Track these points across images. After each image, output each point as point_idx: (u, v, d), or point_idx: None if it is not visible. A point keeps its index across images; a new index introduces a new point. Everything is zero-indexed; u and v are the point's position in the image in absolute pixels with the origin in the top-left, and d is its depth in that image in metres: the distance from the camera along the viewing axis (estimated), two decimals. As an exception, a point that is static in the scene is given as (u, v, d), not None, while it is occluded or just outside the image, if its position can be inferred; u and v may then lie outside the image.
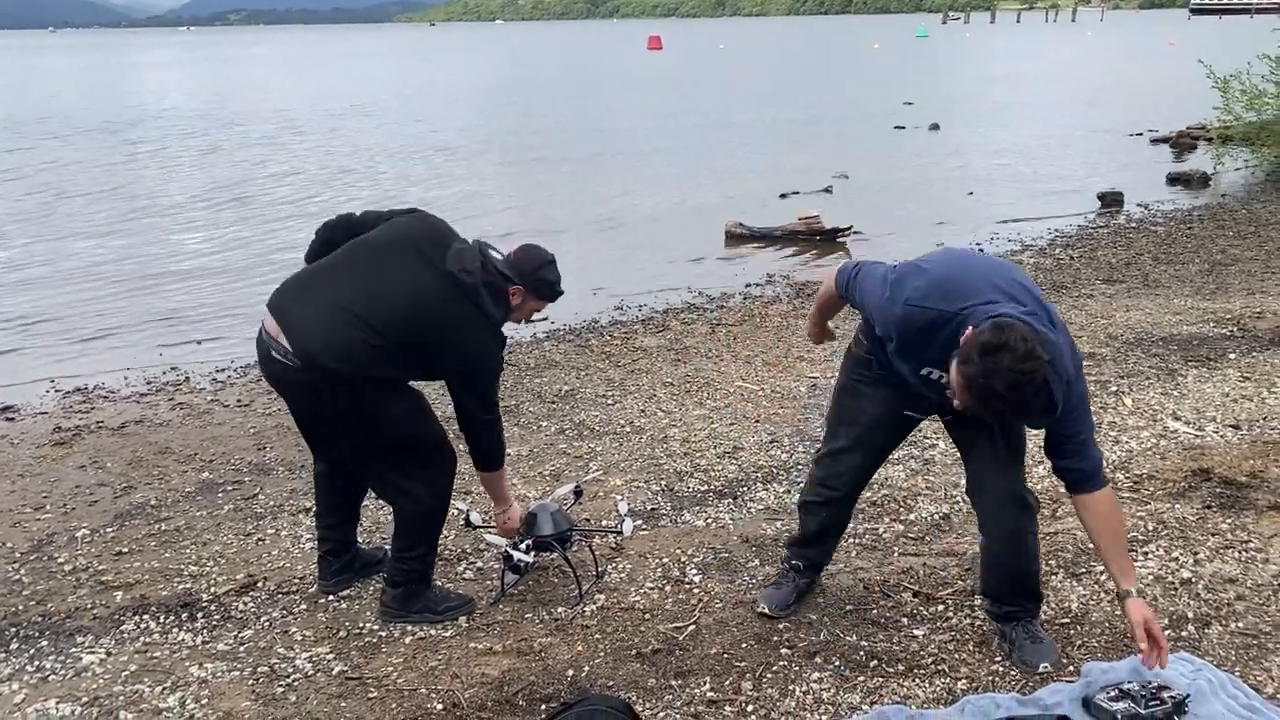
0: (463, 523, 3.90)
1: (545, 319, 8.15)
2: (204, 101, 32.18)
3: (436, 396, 3.62)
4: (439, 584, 3.65)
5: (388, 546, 3.80)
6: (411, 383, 3.39)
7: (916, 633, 3.28)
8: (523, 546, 3.59)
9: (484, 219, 12.46)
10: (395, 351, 3.16)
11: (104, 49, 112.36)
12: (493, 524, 3.76)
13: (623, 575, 3.76)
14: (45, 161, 18.26)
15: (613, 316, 8.16)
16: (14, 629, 3.52)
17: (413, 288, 3.16)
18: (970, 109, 24.98)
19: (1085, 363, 6.00)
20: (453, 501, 3.58)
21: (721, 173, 15.69)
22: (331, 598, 3.67)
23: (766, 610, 3.40)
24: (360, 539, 3.90)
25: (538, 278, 3.32)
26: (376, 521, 4.31)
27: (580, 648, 3.28)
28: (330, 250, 3.35)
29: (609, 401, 5.87)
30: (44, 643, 3.44)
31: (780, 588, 3.49)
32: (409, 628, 3.44)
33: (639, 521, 4.17)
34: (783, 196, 13.32)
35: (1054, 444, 2.81)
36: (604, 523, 4.16)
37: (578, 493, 4.05)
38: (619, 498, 4.32)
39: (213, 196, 14.46)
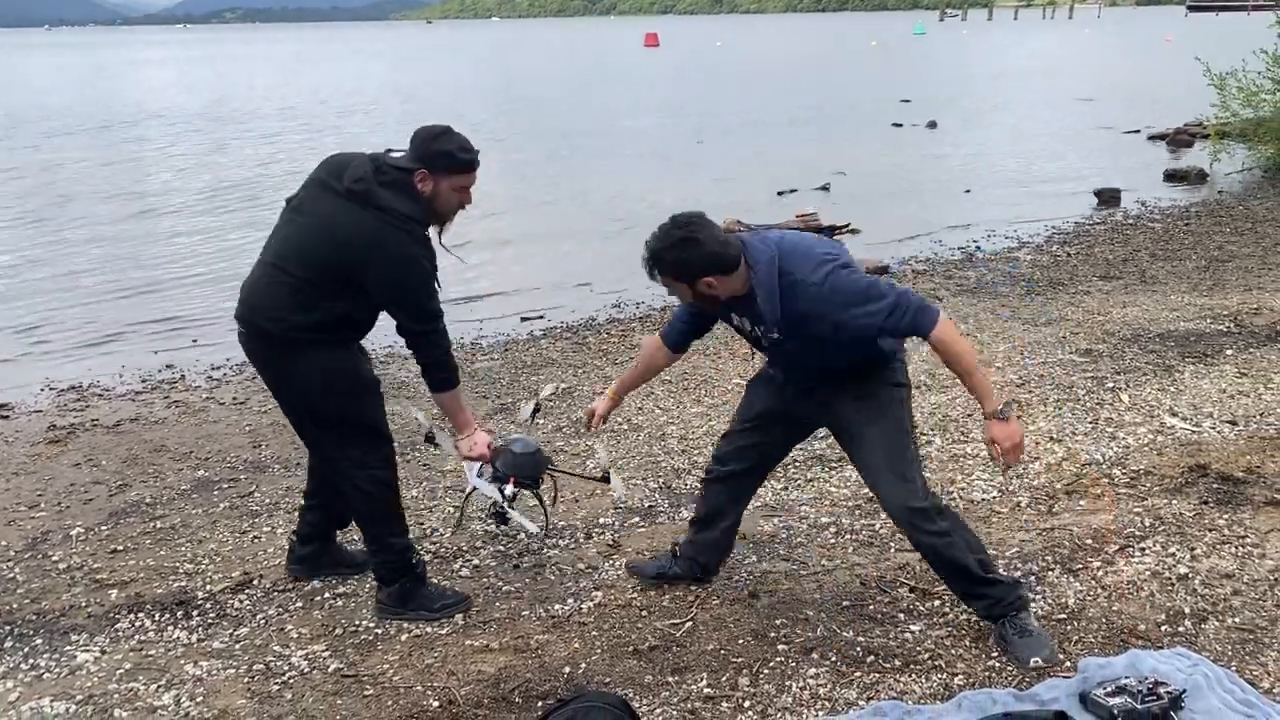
0: (424, 440, 3.67)
1: (540, 317, 8.16)
2: (205, 99, 32.08)
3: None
4: (435, 581, 3.64)
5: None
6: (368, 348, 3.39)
7: (913, 628, 3.28)
8: (508, 492, 3.47)
9: (483, 221, 12.46)
10: (316, 289, 3.14)
11: (102, 46, 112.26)
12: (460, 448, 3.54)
13: (619, 572, 3.76)
14: (47, 160, 18.21)
15: (610, 314, 8.15)
16: (8, 627, 3.52)
17: (320, 219, 3.15)
18: (968, 106, 24.98)
19: (1081, 360, 6.00)
20: (415, 414, 3.50)
21: (719, 170, 15.68)
22: (328, 595, 3.67)
23: (625, 569, 3.69)
24: (347, 540, 3.91)
25: (433, 152, 3.14)
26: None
27: (577, 645, 3.28)
28: None
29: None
30: (38, 641, 3.43)
31: (655, 559, 3.73)
32: (405, 625, 3.44)
33: (626, 492, 4.16)
34: (780, 194, 13.32)
35: (877, 326, 2.92)
36: (589, 466, 4.07)
37: (536, 410, 3.89)
38: (597, 443, 4.34)
39: (215, 195, 14.41)
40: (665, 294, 3.53)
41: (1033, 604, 3.38)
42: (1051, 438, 4.88)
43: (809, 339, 2.97)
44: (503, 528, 3.72)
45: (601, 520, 4.24)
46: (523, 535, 3.70)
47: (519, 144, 19.31)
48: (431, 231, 3.21)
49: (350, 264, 3.11)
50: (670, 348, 3.36)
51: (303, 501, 3.78)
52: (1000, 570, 3.31)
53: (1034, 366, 6.01)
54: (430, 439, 3.69)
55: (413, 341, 3.26)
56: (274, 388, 3.38)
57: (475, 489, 3.59)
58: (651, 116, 23.66)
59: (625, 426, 5.36)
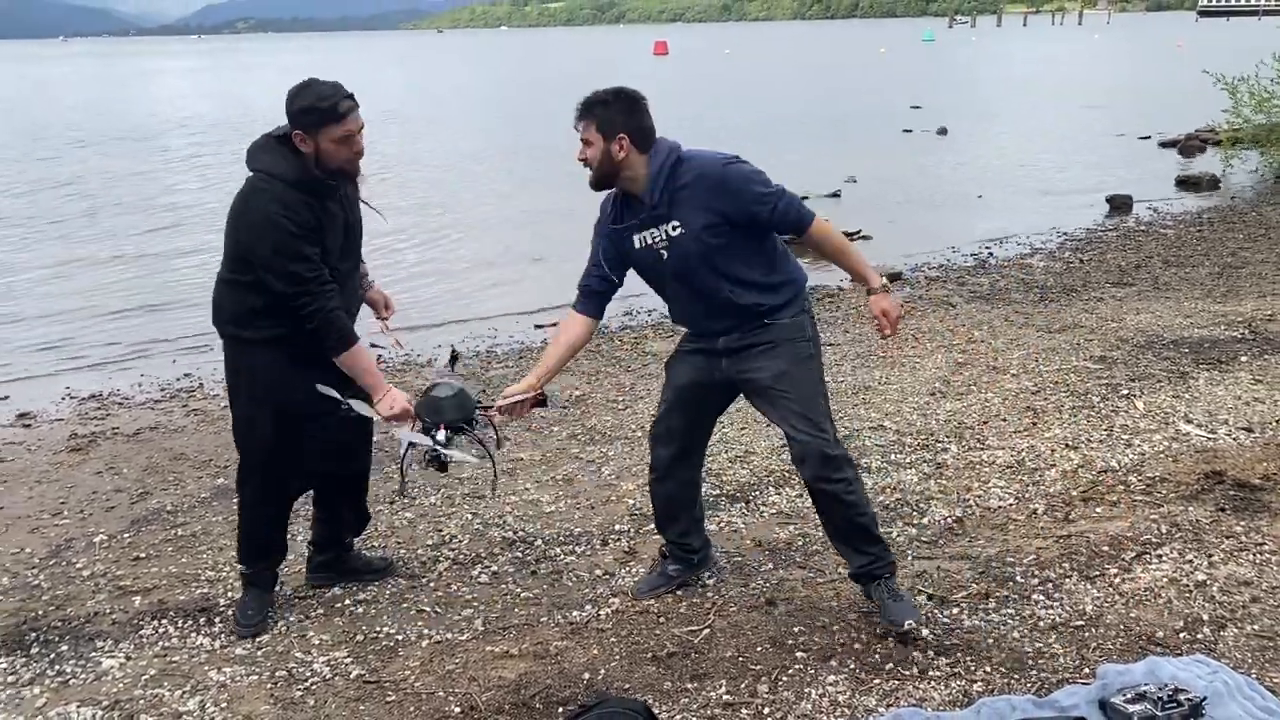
0: (343, 409, 3.25)
1: (554, 324, 8.16)
2: (228, 108, 32.27)
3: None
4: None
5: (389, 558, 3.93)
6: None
7: (931, 635, 3.28)
8: (440, 437, 3.19)
9: (497, 231, 12.53)
10: (234, 274, 3.22)
11: (119, 57, 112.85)
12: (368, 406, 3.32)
13: (636, 578, 3.77)
14: (73, 172, 18.34)
15: (623, 321, 8.17)
16: (34, 633, 3.55)
17: (231, 208, 3.21)
18: (978, 112, 24.95)
19: (1095, 366, 6.00)
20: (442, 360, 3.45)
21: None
22: (348, 601, 3.69)
23: (632, 594, 3.63)
24: (367, 546, 3.94)
25: (296, 111, 3.10)
26: (392, 526, 4.33)
27: (596, 651, 3.30)
28: None
29: (620, 406, 5.88)
30: (64, 647, 3.46)
31: (651, 572, 3.73)
32: (425, 630, 3.46)
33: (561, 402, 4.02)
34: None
35: (762, 216, 3.12)
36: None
37: (454, 358, 3.71)
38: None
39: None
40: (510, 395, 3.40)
41: (1050, 610, 3.39)
42: (1067, 444, 4.87)
43: (703, 244, 3.11)
44: (446, 474, 3.58)
45: (617, 527, 4.25)
46: (469, 470, 3.47)
47: (531, 154, 19.36)
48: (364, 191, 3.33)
49: (241, 241, 3.16)
50: (589, 316, 3.40)
51: (314, 510, 3.82)
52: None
53: (1048, 373, 6.01)
54: (455, 359, 3.57)
55: (300, 311, 3.13)
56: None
57: (410, 446, 3.28)
58: (661, 124, 23.65)
59: (639, 434, 5.37)
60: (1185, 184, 14.04)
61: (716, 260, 3.16)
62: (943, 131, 20.93)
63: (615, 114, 3.12)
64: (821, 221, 3.19)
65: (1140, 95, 27.80)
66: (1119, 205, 12.45)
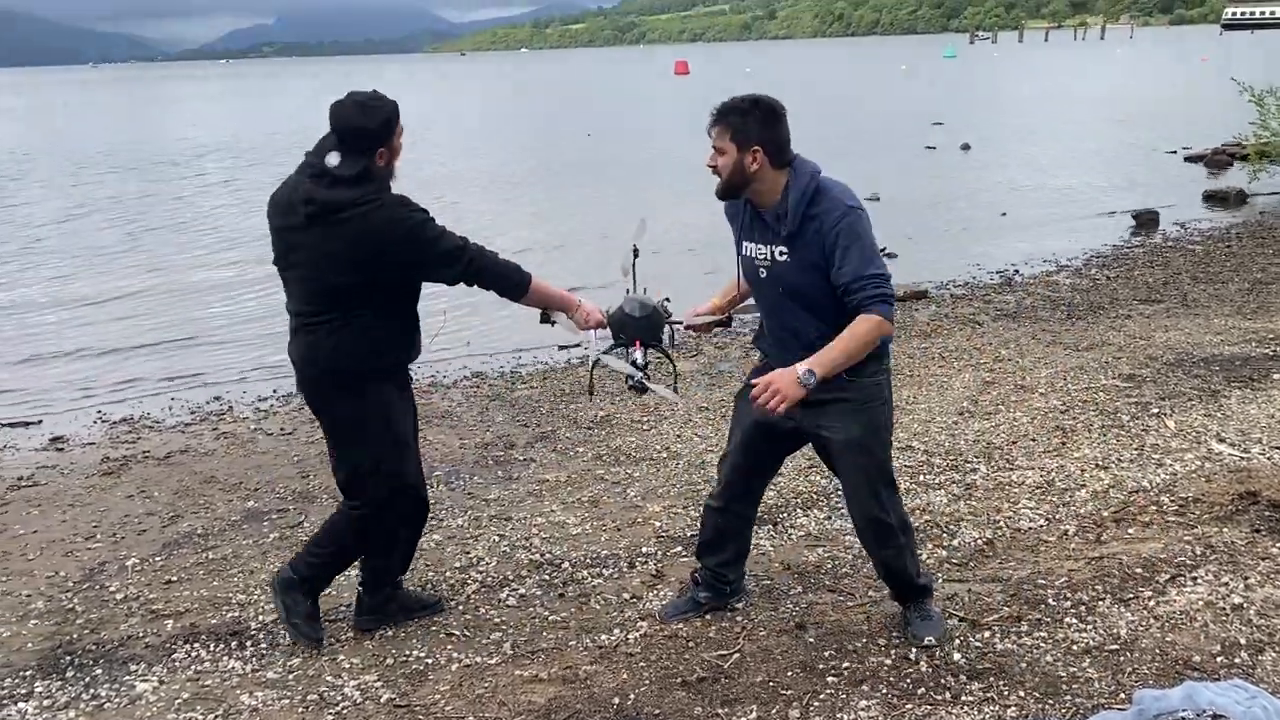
0: (540, 321, 3.51)
1: (577, 345, 8.18)
2: (264, 131, 32.66)
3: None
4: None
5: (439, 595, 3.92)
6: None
7: (963, 660, 3.25)
8: (638, 360, 3.32)
9: (531, 254, 12.58)
10: (349, 311, 3.20)
11: (149, 82, 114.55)
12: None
13: (663, 601, 3.76)
14: (111, 195, 18.62)
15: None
16: (69, 657, 3.58)
17: (316, 252, 3.16)
18: (1001, 129, 24.88)
19: (1125, 385, 5.95)
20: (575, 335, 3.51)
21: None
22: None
23: (659, 618, 3.61)
24: (412, 584, 3.91)
25: (380, 124, 3.16)
26: (420, 548, 4.33)
27: (625, 675, 3.29)
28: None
29: (644, 427, 5.88)
30: (98, 671, 3.49)
31: (680, 596, 3.71)
32: (455, 654, 3.46)
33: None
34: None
35: (855, 273, 3.00)
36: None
37: (635, 252, 3.57)
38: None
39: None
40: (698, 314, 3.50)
41: (1084, 633, 3.36)
42: (1097, 465, 4.83)
43: (804, 280, 3.07)
44: (642, 397, 3.63)
45: (644, 549, 4.25)
46: (662, 400, 3.53)
47: (560, 173, 19.47)
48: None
49: (359, 270, 3.12)
50: None
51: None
52: (925, 571, 3.51)
53: (1077, 392, 5.96)
54: (546, 318, 3.53)
55: (468, 276, 3.24)
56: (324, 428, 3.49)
57: (599, 362, 3.46)
58: (685, 144, 23.75)
59: (664, 455, 5.37)
60: (1213, 199, 13.93)
61: (813, 299, 3.09)
62: (966, 148, 20.88)
63: (752, 124, 3.05)
64: (880, 323, 3.00)
65: (1165, 110, 27.64)
66: (1145, 221, 12.36)
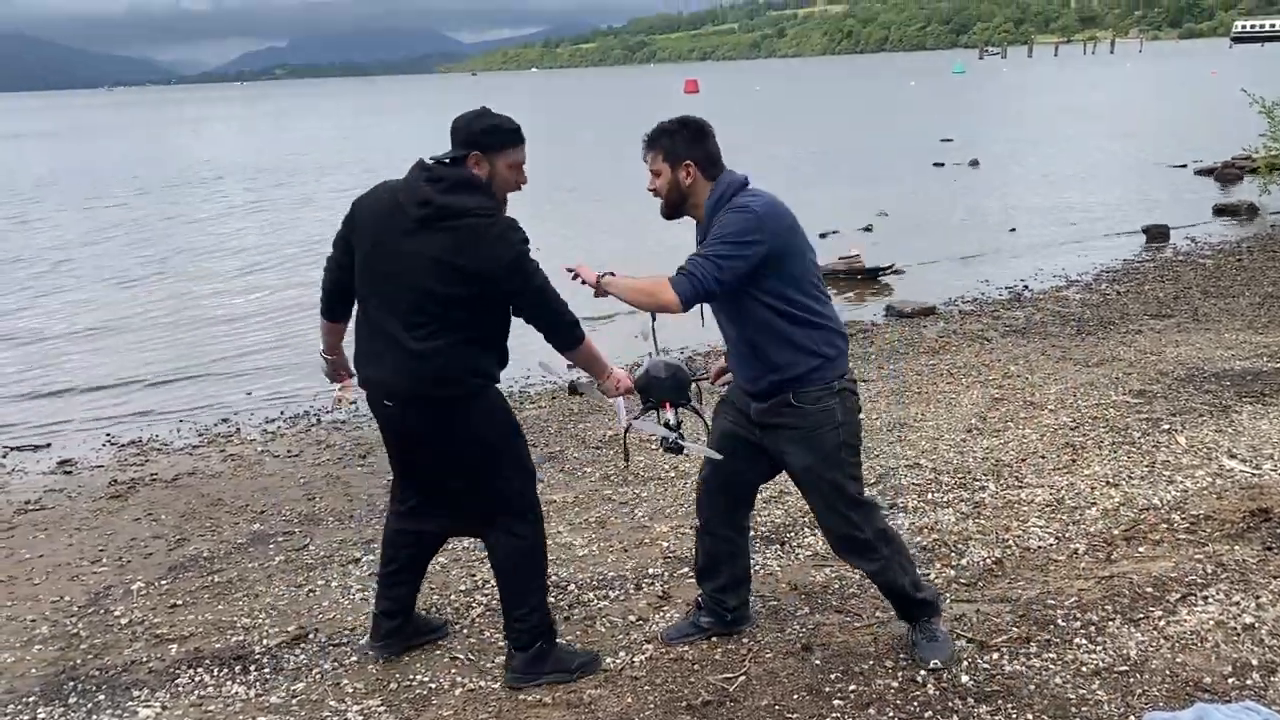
0: (569, 392, 3.58)
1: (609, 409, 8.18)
2: (284, 154, 32.93)
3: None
4: (562, 640, 3.55)
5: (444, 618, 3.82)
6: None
7: (971, 682, 3.21)
8: (671, 421, 3.30)
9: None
10: (455, 328, 3.08)
11: (170, 105, 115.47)
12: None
13: (670, 624, 3.73)
14: (135, 217, 18.78)
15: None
16: (72, 683, 3.56)
17: (416, 258, 3.02)
18: (1010, 144, 24.86)
19: (1135, 401, 5.90)
20: (554, 371, 3.45)
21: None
22: (382, 649, 3.67)
23: (662, 639, 3.60)
24: (417, 607, 3.82)
25: (480, 131, 3.05)
26: (445, 582, 4.32)
27: (630, 699, 3.26)
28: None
29: (652, 446, 5.85)
30: (101, 696, 3.47)
31: (685, 619, 3.69)
32: (459, 678, 3.43)
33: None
34: (822, 236, 13.29)
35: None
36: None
37: (654, 316, 3.55)
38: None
39: (304, 248, 14.67)
40: (708, 339, 3.54)
41: (1093, 655, 3.31)
42: (1108, 482, 4.79)
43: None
44: (679, 457, 3.54)
45: (651, 571, 4.22)
46: (701, 456, 3.46)
47: (572, 191, 19.52)
48: None
49: (465, 288, 3.00)
50: None
51: (386, 577, 3.55)
52: (927, 586, 3.45)
53: (1087, 408, 5.92)
54: (575, 389, 3.60)
55: (554, 321, 3.18)
56: (438, 451, 3.24)
57: (631, 428, 3.48)
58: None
59: (672, 474, 5.35)
60: (1223, 212, 13.87)
61: (744, 308, 3.14)
62: (974, 164, 20.87)
63: (680, 143, 3.16)
64: (662, 286, 3.07)
65: (1175, 123, 27.59)
66: (1156, 235, 12.31)
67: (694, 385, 3.45)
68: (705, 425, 3.59)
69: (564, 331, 3.21)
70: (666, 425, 3.31)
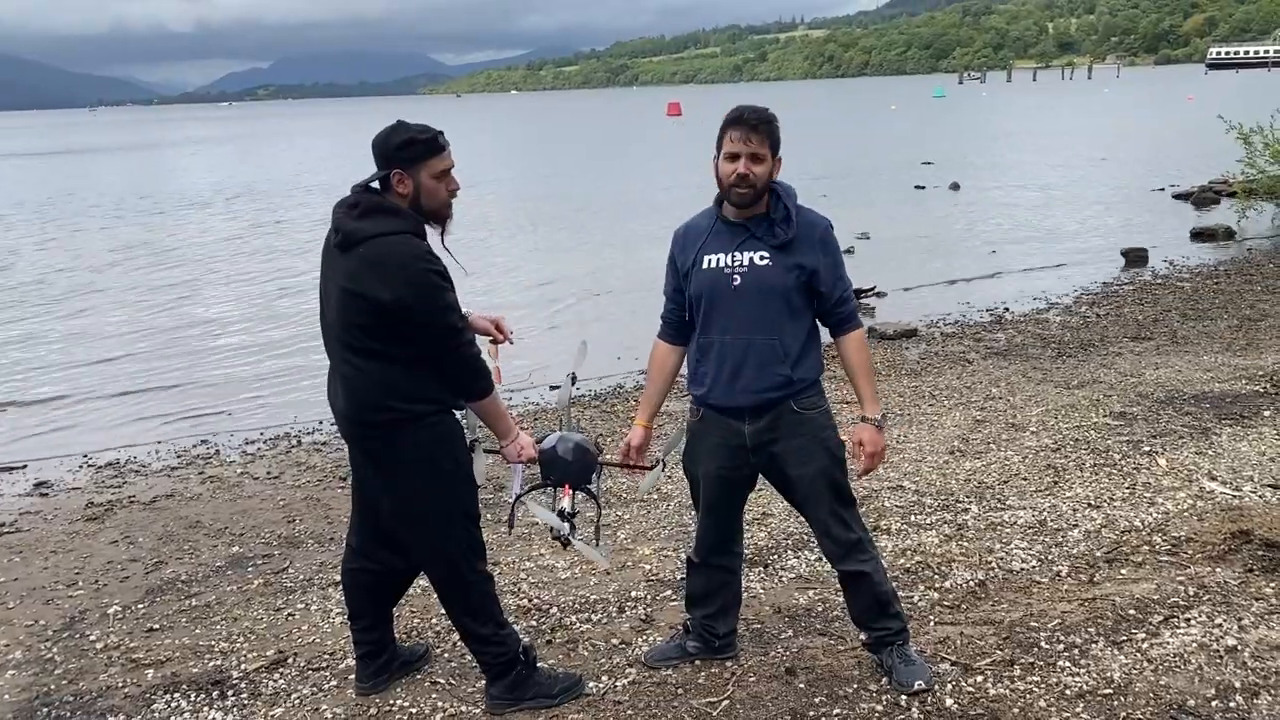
0: (468, 451, 3.21)
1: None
2: (288, 174, 32.90)
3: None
4: (544, 664, 3.51)
5: (425, 643, 3.76)
6: None
7: (955, 706, 3.20)
8: (565, 507, 3.22)
9: (514, 287, 12.62)
10: (389, 346, 2.96)
11: (154, 125, 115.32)
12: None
13: (653, 646, 3.70)
14: (121, 242, 18.72)
15: (637, 380, 8.16)
16: (46, 709, 3.50)
17: (334, 285, 2.98)
18: (990, 168, 25.07)
19: (1116, 423, 5.93)
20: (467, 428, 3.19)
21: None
22: (361, 674, 3.63)
23: (645, 661, 3.57)
24: (398, 631, 3.79)
25: (395, 146, 2.97)
26: (406, 595, 4.28)
27: (613, 724, 3.23)
28: None
29: (615, 479, 5.83)
30: (75, 723, 3.42)
31: (669, 642, 3.65)
32: (439, 704, 3.39)
33: (652, 484, 3.73)
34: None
35: (835, 290, 3.16)
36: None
37: (573, 379, 3.68)
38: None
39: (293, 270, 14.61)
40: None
41: (1077, 678, 3.31)
42: (1089, 504, 4.80)
43: (787, 270, 3.09)
44: (566, 548, 3.42)
45: (634, 594, 4.19)
46: (589, 560, 3.42)
47: (552, 218, 19.55)
48: (433, 237, 3.06)
49: (378, 310, 2.89)
50: (676, 344, 3.37)
51: (354, 622, 3.49)
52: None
53: (1068, 430, 5.94)
54: (471, 446, 3.26)
55: (449, 356, 3.01)
56: (374, 481, 3.18)
57: (520, 500, 3.38)
58: (678, 186, 23.90)
59: (655, 496, 5.33)
60: (1200, 236, 14.01)
61: (789, 299, 3.10)
62: (955, 187, 21.02)
63: (778, 133, 3.11)
64: (864, 332, 3.26)
65: (1152, 148, 27.88)
66: (1134, 258, 12.43)
67: (599, 469, 3.38)
68: (598, 515, 3.54)
69: (469, 379, 3.06)
70: (561, 514, 3.22)
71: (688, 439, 3.40)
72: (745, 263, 3.11)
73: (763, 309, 3.11)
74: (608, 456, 3.49)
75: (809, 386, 3.18)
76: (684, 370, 3.42)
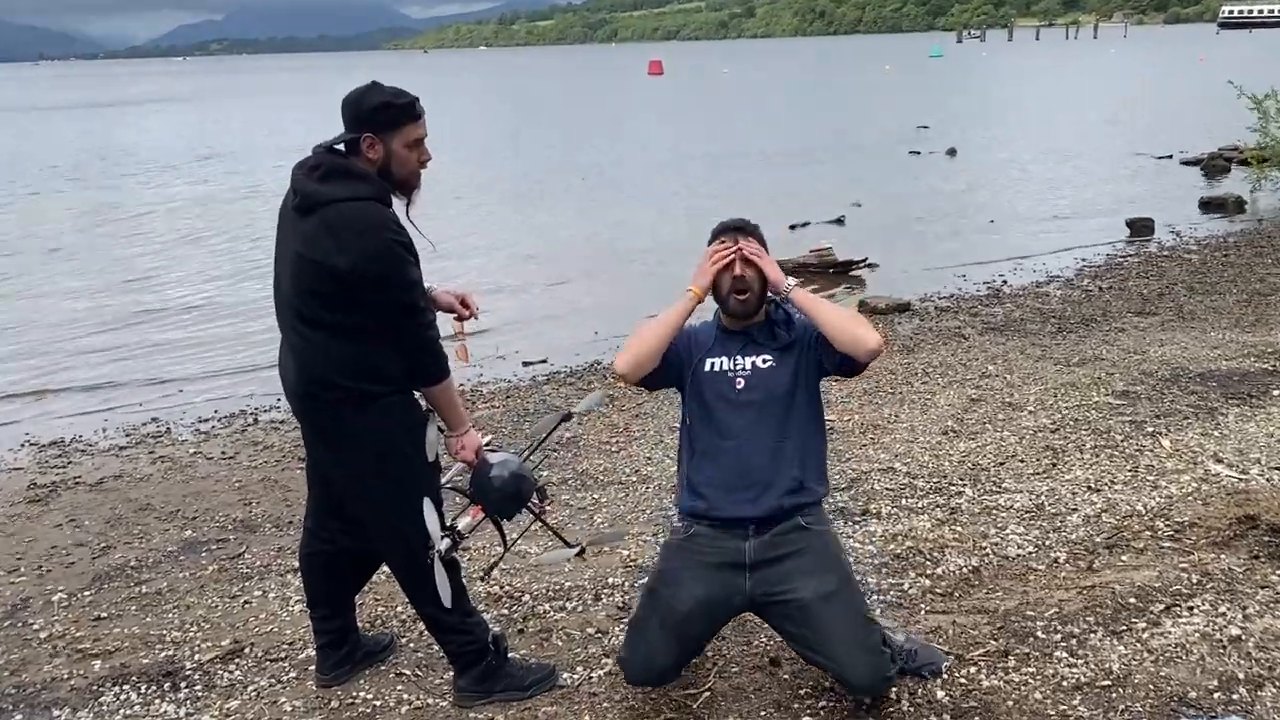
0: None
1: (542, 361, 8.16)
2: (258, 134, 32.59)
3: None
4: (515, 655, 3.51)
5: (390, 632, 3.76)
6: None
7: (947, 698, 3.24)
8: (461, 525, 3.17)
9: (485, 259, 12.58)
10: (343, 318, 2.93)
11: (106, 82, 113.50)
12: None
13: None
14: (77, 204, 18.51)
15: (615, 358, 8.15)
16: (-15, 703, 3.50)
17: (289, 253, 2.95)
18: (989, 132, 25.12)
19: (1118, 402, 5.98)
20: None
21: (728, 204, 15.73)
22: (322, 665, 3.63)
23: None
24: (361, 620, 3.80)
25: (370, 108, 2.94)
26: (370, 582, 4.28)
27: (588, 717, 3.25)
28: None
29: (613, 449, 5.85)
30: (18, 717, 3.41)
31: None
32: (405, 695, 3.40)
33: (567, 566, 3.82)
34: (793, 228, 13.37)
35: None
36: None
37: (566, 418, 3.67)
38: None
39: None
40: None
41: (1074, 669, 3.35)
42: (1089, 487, 4.84)
43: (794, 372, 3.12)
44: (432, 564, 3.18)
45: (610, 580, 4.20)
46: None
47: (525, 183, 19.46)
48: (399, 206, 3.01)
49: (337, 279, 2.86)
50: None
51: (312, 611, 3.49)
52: (899, 644, 3.30)
53: (1068, 410, 5.99)
54: (427, 417, 3.19)
55: (411, 338, 2.99)
56: (325, 461, 3.18)
57: (441, 487, 3.26)
58: (658, 149, 23.82)
59: (634, 478, 5.35)
60: (1209, 206, 14.09)
61: (797, 404, 3.14)
62: (952, 153, 21.05)
63: (764, 239, 3.22)
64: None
65: (1160, 112, 28.01)
66: (1140, 229, 12.49)
67: (530, 515, 3.30)
68: (504, 546, 3.46)
69: (425, 362, 3.02)
70: (450, 529, 3.13)
71: (663, 562, 3.25)
72: (748, 367, 3.16)
73: (769, 413, 3.14)
74: (548, 512, 3.45)
75: (817, 504, 3.18)
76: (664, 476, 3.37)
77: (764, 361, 3.16)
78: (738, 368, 3.18)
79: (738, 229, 3.19)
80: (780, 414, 3.14)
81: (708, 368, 3.21)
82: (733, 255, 3.11)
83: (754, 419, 3.14)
